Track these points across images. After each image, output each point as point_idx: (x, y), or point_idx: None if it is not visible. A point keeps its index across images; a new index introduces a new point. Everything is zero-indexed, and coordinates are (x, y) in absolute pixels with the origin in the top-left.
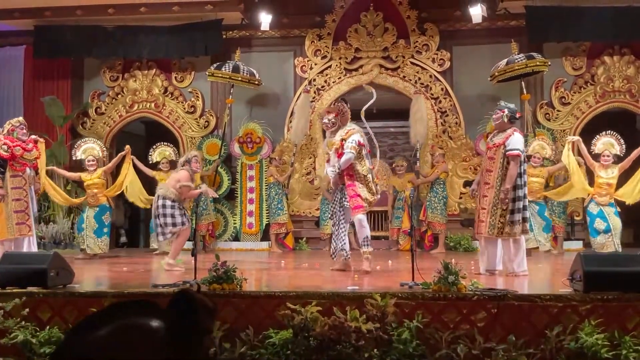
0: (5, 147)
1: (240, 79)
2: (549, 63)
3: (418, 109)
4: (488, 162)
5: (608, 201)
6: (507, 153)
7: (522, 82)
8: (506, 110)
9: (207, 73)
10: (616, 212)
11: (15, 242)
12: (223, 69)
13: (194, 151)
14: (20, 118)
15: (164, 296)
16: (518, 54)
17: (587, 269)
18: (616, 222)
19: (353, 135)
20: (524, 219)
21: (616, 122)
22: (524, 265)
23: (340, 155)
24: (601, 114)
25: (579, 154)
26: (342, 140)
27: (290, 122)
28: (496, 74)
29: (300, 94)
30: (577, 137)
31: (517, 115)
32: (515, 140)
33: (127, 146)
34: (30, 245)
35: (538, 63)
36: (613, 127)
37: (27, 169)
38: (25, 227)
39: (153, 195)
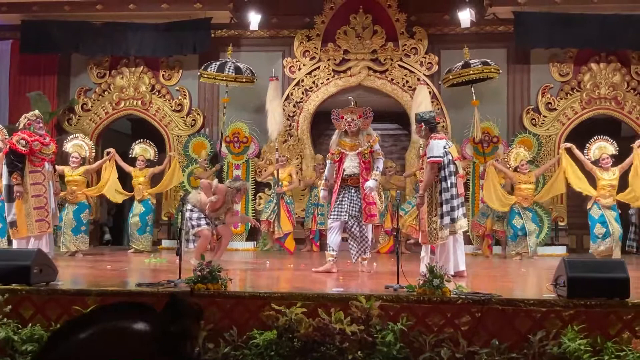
0: (23, 142)
1: (244, 80)
2: (500, 71)
3: (422, 101)
4: (419, 173)
5: (612, 203)
6: (427, 161)
7: (472, 88)
8: (423, 124)
9: (202, 74)
10: (617, 217)
11: (35, 239)
12: (226, 71)
13: (247, 184)
14: (37, 112)
15: (148, 295)
16: (472, 59)
17: (571, 274)
18: (616, 228)
19: (377, 142)
20: (452, 220)
21: (602, 129)
22: (464, 265)
23: (367, 162)
24: (587, 121)
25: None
26: (371, 146)
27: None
28: (450, 77)
29: (270, 82)
30: (570, 144)
31: (437, 121)
32: (432, 148)
33: (112, 150)
34: (48, 242)
35: (492, 70)
36: (599, 133)
37: (46, 164)
38: (45, 224)
39: (127, 190)
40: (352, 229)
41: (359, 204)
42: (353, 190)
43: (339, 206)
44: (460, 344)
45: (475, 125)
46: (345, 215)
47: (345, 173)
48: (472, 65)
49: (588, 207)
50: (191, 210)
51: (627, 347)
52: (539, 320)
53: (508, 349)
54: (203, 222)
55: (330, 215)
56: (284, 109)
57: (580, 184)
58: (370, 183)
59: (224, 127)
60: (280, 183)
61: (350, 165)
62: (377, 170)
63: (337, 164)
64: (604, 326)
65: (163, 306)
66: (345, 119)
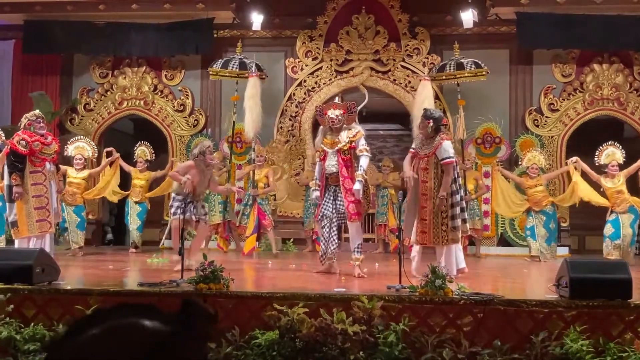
0: (23, 142)
1: (247, 75)
2: (484, 72)
3: (426, 96)
4: (422, 173)
5: (627, 207)
6: (442, 163)
7: (459, 87)
8: (431, 122)
9: (210, 72)
10: (633, 222)
11: (36, 239)
12: (230, 67)
13: (207, 141)
14: (37, 111)
15: (150, 295)
16: (464, 59)
17: (573, 275)
18: (627, 232)
19: (361, 137)
20: (464, 220)
21: (604, 130)
22: (464, 262)
23: (346, 159)
24: (589, 122)
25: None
26: (351, 142)
27: (281, 122)
28: (439, 76)
29: (249, 79)
30: (576, 158)
31: (444, 122)
32: (446, 149)
33: (117, 154)
34: (51, 242)
35: (466, 74)
36: (601, 134)
37: (47, 164)
38: (46, 224)
39: (123, 189)
40: (323, 229)
41: (335, 203)
42: (332, 190)
43: (321, 207)
44: (462, 345)
45: (460, 124)
46: (319, 215)
47: (326, 172)
48: (445, 69)
49: (607, 218)
50: (173, 199)
51: (629, 348)
52: (541, 321)
53: (510, 349)
54: (179, 211)
55: (317, 218)
56: (285, 109)
57: (597, 198)
58: (356, 186)
59: (233, 126)
60: (255, 184)
61: (330, 163)
62: (360, 169)
63: (323, 162)
64: (606, 327)
65: (178, 308)
66: (329, 115)
